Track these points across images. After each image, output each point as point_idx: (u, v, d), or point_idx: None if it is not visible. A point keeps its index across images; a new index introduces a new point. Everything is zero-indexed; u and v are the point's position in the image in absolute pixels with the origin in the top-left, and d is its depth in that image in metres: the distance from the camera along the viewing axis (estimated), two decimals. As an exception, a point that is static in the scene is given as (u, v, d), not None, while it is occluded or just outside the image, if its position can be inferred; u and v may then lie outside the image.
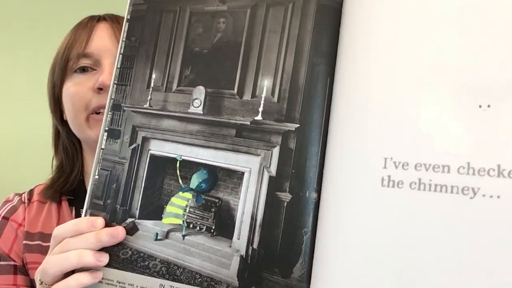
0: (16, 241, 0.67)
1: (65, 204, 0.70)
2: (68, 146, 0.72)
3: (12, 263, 0.65)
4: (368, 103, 0.40)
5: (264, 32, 0.43)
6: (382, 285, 0.37)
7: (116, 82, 0.47)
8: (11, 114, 1.52)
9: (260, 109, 0.42)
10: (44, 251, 0.65)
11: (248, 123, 0.42)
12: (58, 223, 0.68)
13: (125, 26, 0.48)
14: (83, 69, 0.66)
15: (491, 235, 0.34)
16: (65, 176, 0.71)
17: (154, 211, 0.43)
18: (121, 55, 0.47)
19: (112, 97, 0.47)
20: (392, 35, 0.40)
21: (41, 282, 0.43)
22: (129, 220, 0.44)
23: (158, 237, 0.43)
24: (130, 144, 0.45)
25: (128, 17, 0.48)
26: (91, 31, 0.67)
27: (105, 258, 0.43)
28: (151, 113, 0.45)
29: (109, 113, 0.46)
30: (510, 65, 0.36)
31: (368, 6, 0.42)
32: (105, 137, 0.46)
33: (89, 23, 0.69)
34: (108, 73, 0.62)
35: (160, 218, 0.43)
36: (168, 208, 0.43)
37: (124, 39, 0.48)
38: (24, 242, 0.67)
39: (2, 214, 0.69)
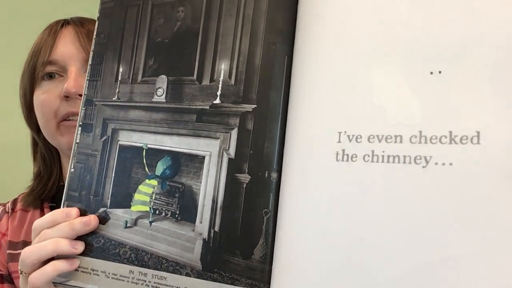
0: (0, 251, 0.68)
1: (47, 212, 0.68)
2: (45, 153, 0.73)
3: None
4: (321, 78, 0.39)
5: (220, 16, 0.43)
6: (340, 259, 0.35)
7: (88, 78, 0.49)
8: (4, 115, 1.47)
9: (219, 92, 0.42)
10: None
11: (208, 107, 0.42)
12: None
13: (96, 24, 0.50)
14: (50, 76, 0.66)
15: (445, 203, 0.32)
16: (43, 183, 0.71)
17: (123, 199, 0.44)
18: (92, 52, 0.49)
19: (85, 93, 0.49)
20: (345, 6, 0.39)
21: (21, 272, 0.45)
22: (101, 209, 0.45)
23: (128, 225, 0.44)
24: (101, 137, 0.47)
25: (98, 15, 0.50)
26: (55, 37, 0.67)
27: (80, 246, 0.44)
28: (119, 105, 0.46)
29: (83, 108, 0.48)
30: (461, 29, 0.34)
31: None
32: (79, 132, 0.48)
33: (54, 28, 0.68)
34: (73, 80, 0.62)
35: (129, 206, 0.44)
36: (136, 196, 0.44)
37: (95, 37, 0.49)
38: (8, 251, 0.68)
39: None
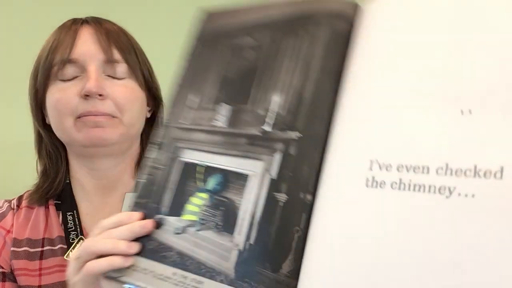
0: (4, 248, 0.69)
1: (52, 209, 0.72)
2: (51, 150, 0.72)
3: (0, 270, 0.68)
4: (362, 111, 0.42)
5: (279, 57, 0.49)
6: (365, 283, 0.37)
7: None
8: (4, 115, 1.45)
9: (270, 121, 0.47)
10: (31, 257, 0.67)
11: (259, 133, 0.47)
12: (46, 229, 0.71)
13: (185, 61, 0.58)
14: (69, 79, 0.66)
15: (465, 233, 0.33)
16: (49, 181, 0.71)
17: (178, 209, 0.50)
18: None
19: (163, 117, 0.57)
20: (390, 47, 0.43)
21: (78, 257, 0.50)
22: (158, 216, 0.51)
23: (177, 232, 0.49)
24: (169, 154, 0.54)
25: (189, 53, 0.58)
26: (75, 35, 0.66)
27: (136, 247, 0.49)
28: (186, 127, 0.53)
29: (161, 128, 0.56)
30: (493, 73, 0.36)
31: (372, 30, 0.46)
32: (155, 149, 0.55)
33: (73, 26, 0.68)
34: (94, 80, 0.62)
35: (181, 215, 0.49)
36: (188, 207, 0.49)
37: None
38: (12, 249, 0.69)
39: None
